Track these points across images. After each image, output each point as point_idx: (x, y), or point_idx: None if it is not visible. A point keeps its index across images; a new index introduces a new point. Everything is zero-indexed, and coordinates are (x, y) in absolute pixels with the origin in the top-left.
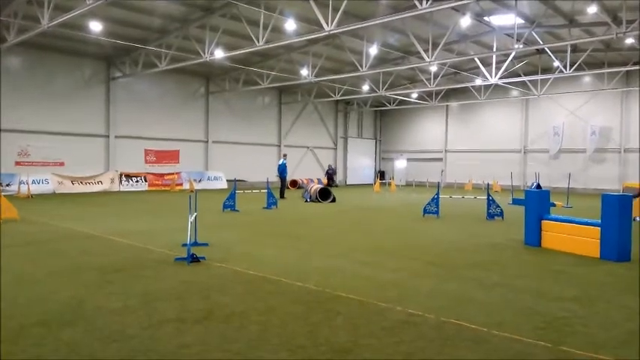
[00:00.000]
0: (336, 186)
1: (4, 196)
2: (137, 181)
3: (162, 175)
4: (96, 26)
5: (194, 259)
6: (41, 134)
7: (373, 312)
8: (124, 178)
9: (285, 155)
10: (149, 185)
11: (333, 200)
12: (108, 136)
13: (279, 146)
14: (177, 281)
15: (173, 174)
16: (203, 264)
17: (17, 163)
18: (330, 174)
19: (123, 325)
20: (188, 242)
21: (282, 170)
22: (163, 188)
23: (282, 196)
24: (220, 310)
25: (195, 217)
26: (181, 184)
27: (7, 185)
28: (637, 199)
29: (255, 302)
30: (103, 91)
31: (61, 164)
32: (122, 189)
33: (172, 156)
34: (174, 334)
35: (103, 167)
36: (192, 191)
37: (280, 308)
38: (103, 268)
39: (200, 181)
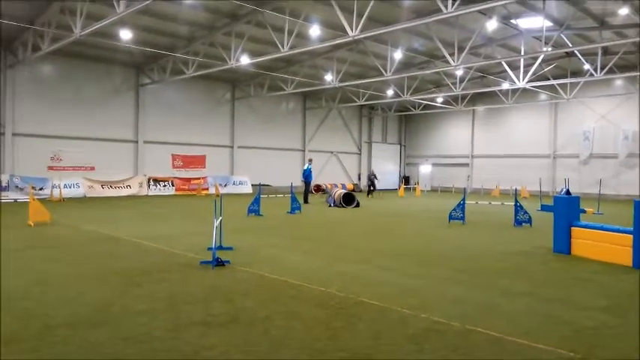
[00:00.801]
0: (374, 190)
1: (38, 199)
2: (164, 186)
3: (188, 180)
4: (126, 34)
5: (219, 262)
6: (73, 140)
7: (396, 319)
8: (151, 183)
9: (310, 160)
10: (176, 190)
11: (357, 205)
12: (137, 142)
13: (304, 151)
14: (202, 285)
15: (199, 178)
16: (228, 268)
17: (50, 168)
18: (372, 179)
19: (148, 327)
20: (213, 246)
21: (306, 175)
22: (190, 192)
23: (305, 201)
24: (244, 314)
25: (221, 222)
26: (207, 189)
27: (40, 189)
28: None
29: (278, 307)
30: (132, 97)
31: (92, 169)
32: (150, 193)
33: (199, 161)
34: (198, 336)
35: (132, 172)
36: (217, 196)
37: (303, 313)
38: (129, 270)
39: (225, 185)
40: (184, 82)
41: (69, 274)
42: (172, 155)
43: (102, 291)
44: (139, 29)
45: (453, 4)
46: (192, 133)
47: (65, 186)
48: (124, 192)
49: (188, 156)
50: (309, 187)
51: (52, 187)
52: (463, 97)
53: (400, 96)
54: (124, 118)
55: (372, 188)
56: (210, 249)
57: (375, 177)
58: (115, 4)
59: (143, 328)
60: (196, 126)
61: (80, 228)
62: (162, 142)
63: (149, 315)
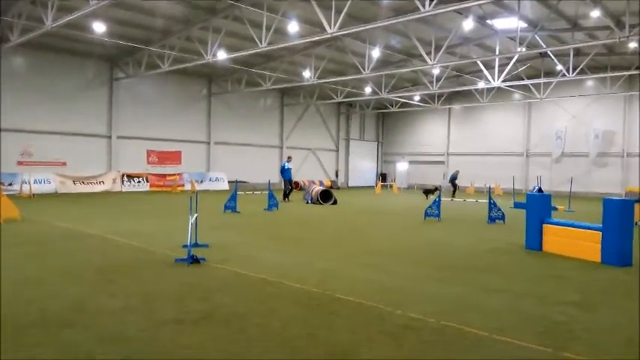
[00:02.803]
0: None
1: (7, 195)
2: (139, 182)
3: (164, 176)
4: (99, 27)
5: (194, 260)
6: (43, 134)
7: (374, 315)
8: (125, 179)
9: (289, 158)
10: (151, 186)
11: (335, 202)
12: (110, 137)
13: (282, 148)
14: (177, 282)
15: (175, 175)
16: (203, 265)
17: (20, 163)
18: (454, 182)
19: (122, 326)
20: (189, 243)
21: (283, 172)
22: (165, 189)
23: (283, 198)
24: (220, 312)
25: (196, 218)
26: (183, 185)
27: (10, 185)
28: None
29: (255, 304)
30: (105, 91)
31: (63, 164)
32: (124, 189)
33: (174, 157)
34: (173, 334)
35: (105, 167)
36: (193, 192)
37: (280, 310)
38: (103, 268)
39: (202, 182)
40: (160, 77)
41: (41, 271)
42: (147, 151)
43: (75, 289)
44: (113, 22)
45: (430, 4)
46: (167, 128)
47: (35, 181)
48: (97, 188)
49: (163, 152)
50: (288, 185)
51: (22, 182)
52: (440, 96)
53: (378, 94)
54: (98, 112)
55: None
56: (185, 246)
57: (456, 178)
58: None
59: (117, 326)
60: (172, 121)
61: (52, 224)
62: (137, 138)
63: (123, 313)
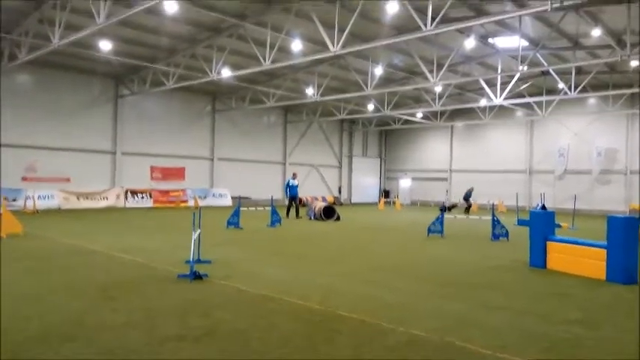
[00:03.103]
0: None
1: (10, 211)
2: (142, 198)
3: (167, 192)
4: (105, 45)
5: (197, 276)
6: (48, 150)
7: (376, 332)
8: (129, 195)
9: (294, 174)
10: (154, 202)
11: (338, 219)
12: (114, 153)
13: (284, 164)
14: (179, 298)
15: (178, 191)
16: (206, 281)
17: (24, 179)
18: (468, 198)
19: (124, 341)
20: (191, 259)
21: (286, 189)
22: (168, 205)
23: (287, 214)
24: (222, 328)
25: (199, 234)
26: (186, 201)
27: (14, 200)
28: None
29: (256, 320)
30: (110, 108)
31: (67, 180)
32: (127, 205)
33: (178, 173)
34: (174, 350)
35: (109, 183)
36: (196, 208)
37: (282, 326)
38: (105, 284)
39: (205, 198)
40: (164, 94)
41: (43, 287)
42: (151, 167)
43: (77, 304)
44: (119, 40)
45: (432, 23)
46: (171, 144)
47: (39, 197)
48: (101, 204)
49: (167, 168)
50: (292, 202)
51: (26, 198)
52: (442, 113)
53: (380, 111)
54: (102, 128)
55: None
56: (188, 262)
57: (470, 195)
58: (95, 14)
59: (119, 342)
60: (176, 138)
61: (55, 240)
62: (141, 154)
63: (125, 329)
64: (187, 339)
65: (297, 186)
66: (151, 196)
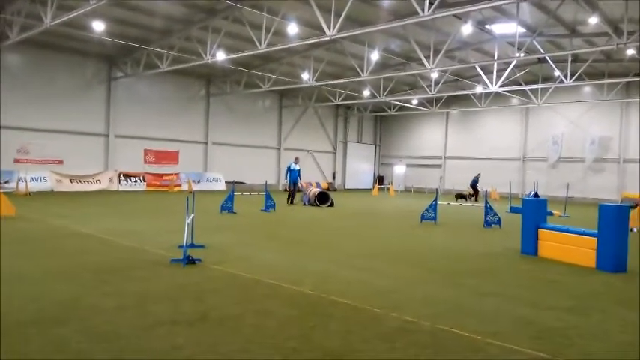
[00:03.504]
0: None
1: (3, 193)
2: (136, 181)
3: (160, 176)
4: (99, 26)
5: (190, 260)
6: (41, 132)
7: (368, 317)
8: (122, 178)
9: (296, 159)
10: (147, 185)
11: (332, 205)
12: (107, 136)
13: (279, 149)
14: (172, 283)
15: (172, 175)
16: (199, 266)
17: (16, 161)
18: (475, 186)
19: (115, 325)
20: (184, 244)
21: (287, 173)
22: (162, 189)
23: (287, 200)
24: (214, 313)
25: (193, 219)
26: (180, 185)
27: (6, 182)
28: (634, 209)
29: (249, 305)
30: (104, 90)
31: (60, 162)
32: (120, 189)
33: (171, 157)
34: (166, 335)
35: (102, 166)
36: (190, 192)
37: (275, 311)
38: (98, 267)
39: (199, 182)
40: (158, 77)
41: (36, 270)
42: (145, 150)
43: (69, 288)
44: (112, 21)
45: (429, 8)
46: (165, 128)
47: (32, 179)
48: (94, 187)
49: (161, 151)
50: (295, 188)
51: (19, 180)
52: (437, 100)
53: (376, 97)
54: (95, 111)
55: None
56: (181, 247)
57: (477, 182)
58: None
59: (111, 325)
60: (170, 121)
61: (48, 223)
62: (135, 137)
63: (117, 313)
64: (180, 323)
65: (298, 170)
66: (144, 180)
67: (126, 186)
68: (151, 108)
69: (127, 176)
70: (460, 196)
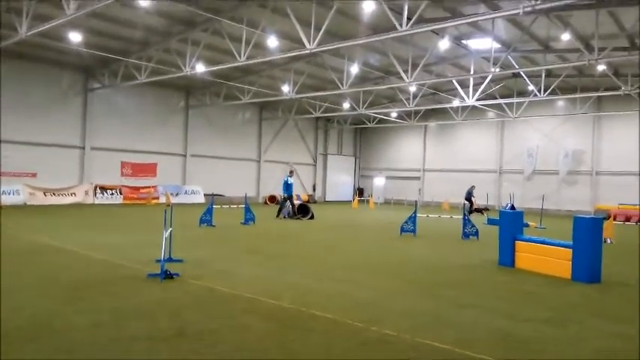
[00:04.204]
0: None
1: None
2: (112, 194)
3: (138, 189)
4: (75, 37)
5: (167, 275)
6: (13, 144)
7: (348, 331)
8: (98, 191)
9: (291, 172)
10: (124, 198)
11: (312, 217)
12: (83, 148)
13: (259, 161)
14: (149, 298)
15: (149, 187)
16: (177, 280)
17: None
18: (470, 198)
19: (91, 342)
20: (162, 258)
21: (284, 188)
22: (139, 202)
23: (293, 215)
24: (192, 328)
25: (170, 232)
26: (157, 198)
27: None
28: (607, 221)
29: (228, 320)
30: (80, 102)
31: (33, 175)
32: (96, 202)
33: (149, 169)
34: (143, 352)
35: (78, 179)
36: (168, 205)
37: (254, 326)
38: (73, 283)
39: (177, 195)
40: (136, 88)
41: (8, 285)
42: (121, 163)
43: (43, 304)
44: (90, 32)
45: (407, 23)
46: (143, 140)
47: (4, 192)
48: (68, 200)
49: (138, 164)
50: (286, 202)
51: None
52: (416, 113)
53: (356, 109)
54: (71, 122)
55: (473, 209)
56: (158, 261)
57: (472, 194)
58: (64, 5)
59: (86, 343)
60: (148, 133)
61: (20, 237)
62: (111, 149)
63: (92, 330)
64: (157, 339)
65: (291, 184)
66: (120, 193)
67: (102, 199)
68: (129, 120)
69: (103, 189)
70: (477, 210)
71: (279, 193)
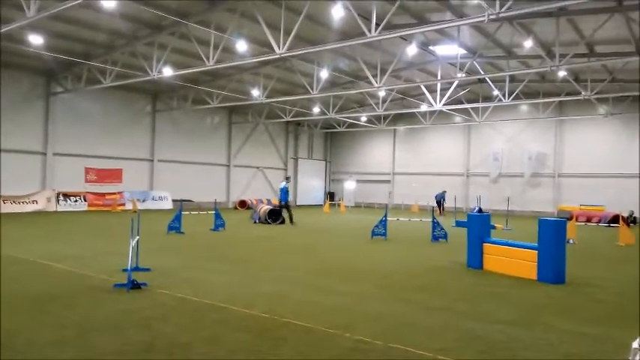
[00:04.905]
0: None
1: None
2: (76, 201)
3: (103, 195)
4: (36, 39)
5: (135, 285)
6: None
7: (321, 338)
8: (61, 198)
9: (287, 178)
10: (89, 205)
11: (283, 222)
12: (45, 154)
13: (229, 166)
14: (116, 310)
15: (115, 194)
16: (144, 290)
17: None
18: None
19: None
20: (129, 267)
21: (282, 195)
22: (104, 209)
23: (286, 220)
24: (162, 342)
25: (138, 240)
26: (124, 204)
27: None
28: (569, 221)
29: (199, 331)
30: (41, 106)
31: None
32: (59, 209)
33: (115, 175)
34: None
35: (39, 186)
36: (135, 212)
37: (226, 337)
38: (35, 296)
39: (144, 201)
40: (101, 92)
41: None
42: (86, 168)
43: (4, 319)
44: (51, 35)
45: (376, 29)
46: (108, 145)
47: None
48: (29, 207)
49: (103, 169)
50: (287, 207)
51: None
52: (385, 117)
53: (326, 114)
54: (32, 127)
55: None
56: (125, 270)
57: (443, 198)
58: (24, 7)
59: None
60: (113, 138)
61: None
62: (75, 155)
63: (57, 346)
64: (126, 354)
65: (284, 190)
66: (85, 200)
67: (65, 206)
68: (93, 124)
69: (67, 196)
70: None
71: (250, 198)
